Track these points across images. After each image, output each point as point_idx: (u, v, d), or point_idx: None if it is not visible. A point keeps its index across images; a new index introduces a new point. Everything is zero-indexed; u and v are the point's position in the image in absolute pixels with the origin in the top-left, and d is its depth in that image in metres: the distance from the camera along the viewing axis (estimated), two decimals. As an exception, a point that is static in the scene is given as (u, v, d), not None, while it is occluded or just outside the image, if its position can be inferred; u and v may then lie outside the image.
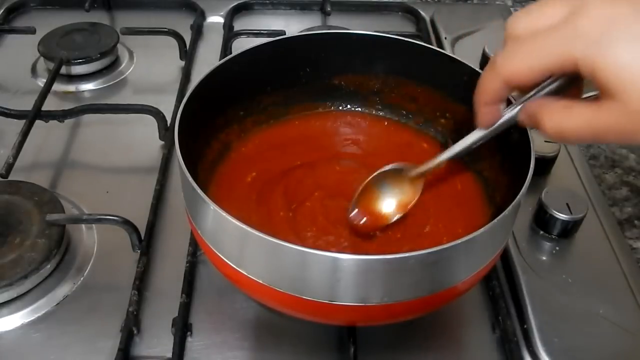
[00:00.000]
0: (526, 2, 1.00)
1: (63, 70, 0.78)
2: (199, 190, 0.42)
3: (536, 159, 0.45)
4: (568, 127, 0.35)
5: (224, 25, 0.90)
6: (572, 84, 0.38)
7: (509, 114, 0.42)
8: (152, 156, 0.68)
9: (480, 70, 0.53)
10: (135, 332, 0.51)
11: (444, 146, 0.60)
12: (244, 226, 0.40)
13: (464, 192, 0.56)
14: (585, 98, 0.36)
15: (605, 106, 0.33)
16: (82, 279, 0.55)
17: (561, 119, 0.36)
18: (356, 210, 0.51)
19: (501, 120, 0.42)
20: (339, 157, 0.59)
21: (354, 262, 0.39)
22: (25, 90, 0.78)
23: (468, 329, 0.53)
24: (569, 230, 0.58)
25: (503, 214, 0.41)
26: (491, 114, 0.41)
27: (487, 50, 0.78)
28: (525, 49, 0.35)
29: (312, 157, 0.58)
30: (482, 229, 0.40)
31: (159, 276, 0.56)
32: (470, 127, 0.57)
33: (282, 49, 0.57)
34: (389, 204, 0.51)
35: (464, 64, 0.54)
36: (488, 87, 0.39)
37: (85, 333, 0.51)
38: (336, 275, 0.40)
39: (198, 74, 0.53)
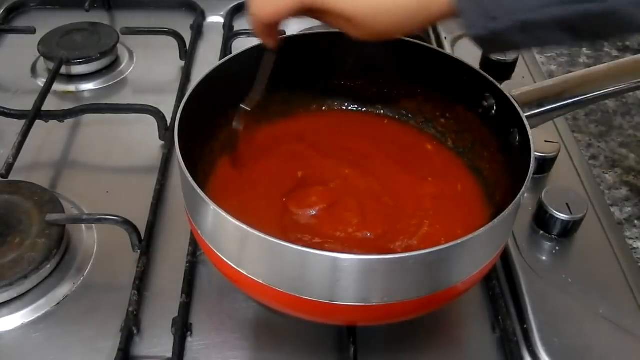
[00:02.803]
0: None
1: (63, 70, 0.78)
2: (199, 190, 0.42)
3: (536, 159, 0.45)
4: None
5: (224, 25, 0.90)
6: None
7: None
8: (152, 156, 0.68)
9: (480, 70, 0.54)
10: (135, 332, 0.51)
11: (445, 145, 0.60)
12: (244, 226, 0.40)
13: (463, 192, 0.56)
14: None
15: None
16: (82, 279, 0.55)
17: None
18: None
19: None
20: (339, 156, 0.59)
21: (354, 262, 0.39)
22: (25, 90, 0.78)
23: (468, 329, 0.53)
24: (569, 230, 0.58)
25: (503, 214, 0.41)
26: (273, 39, 0.50)
27: (487, 50, 0.78)
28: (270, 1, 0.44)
29: (313, 156, 0.58)
30: (482, 229, 0.40)
31: (159, 276, 0.56)
32: (469, 127, 0.57)
33: (282, 49, 0.57)
34: None
35: (464, 63, 0.54)
36: (255, 28, 0.48)
37: (85, 333, 0.51)
38: (336, 275, 0.40)
39: (198, 74, 0.52)
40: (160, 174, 0.64)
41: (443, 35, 0.88)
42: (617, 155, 0.74)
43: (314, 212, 0.52)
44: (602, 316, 0.53)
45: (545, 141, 0.64)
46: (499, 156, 0.53)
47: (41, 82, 0.78)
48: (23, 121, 0.66)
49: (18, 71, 0.81)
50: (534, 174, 0.44)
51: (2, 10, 0.92)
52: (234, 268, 0.43)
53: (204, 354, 0.50)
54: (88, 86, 0.80)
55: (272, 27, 0.48)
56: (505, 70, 0.80)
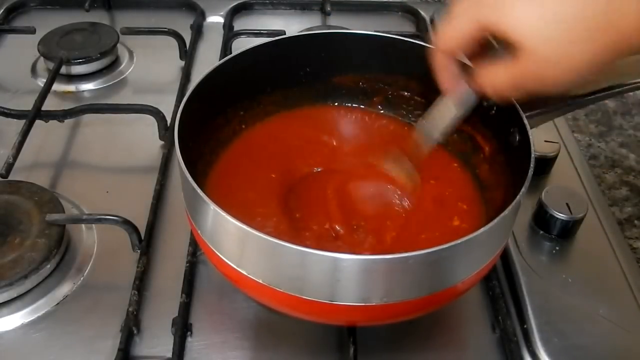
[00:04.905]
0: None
1: (63, 70, 0.78)
2: (199, 190, 0.42)
3: (536, 159, 0.45)
4: (498, 83, 0.42)
5: (224, 25, 0.90)
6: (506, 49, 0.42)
7: (466, 86, 0.47)
8: (152, 156, 0.68)
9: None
10: (135, 332, 0.51)
11: (444, 145, 0.60)
12: (244, 226, 0.40)
13: (463, 192, 0.56)
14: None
15: (519, 59, 0.40)
16: (82, 279, 0.55)
17: (493, 79, 0.43)
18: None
19: (469, 94, 0.47)
20: (339, 156, 0.59)
21: (354, 262, 0.39)
22: (25, 90, 0.78)
23: (468, 329, 0.53)
24: (569, 230, 0.58)
25: (503, 214, 0.41)
26: (452, 84, 0.47)
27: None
28: (449, 24, 0.43)
29: (313, 156, 0.58)
30: (482, 229, 0.40)
31: (159, 276, 0.56)
32: (469, 127, 0.57)
33: (282, 49, 0.57)
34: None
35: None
36: (437, 62, 0.46)
37: (85, 333, 0.51)
38: (336, 275, 0.40)
39: (198, 74, 0.52)
40: (160, 174, 0.64)
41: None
42: (617, 155, 0.74)
43: (315, 211, 0.53)
44: (602, 316, 0.53)
45: (545, 141, 0.64)
46: (499, 156, 0.53)
47: (41, 82, 0.78)
48: (23, 121, 0.66)
49: (18, 71, 0.81)
50: (533, 174, 0.44)
51: (2, 10, 0.92)
52: (234, 268, 0.43)
53: (204, 354, 0.50)
54: (88, 86, 0.80)
55: (450, 61, 0.45)
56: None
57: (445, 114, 0.49)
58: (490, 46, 0.44)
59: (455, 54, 0.45)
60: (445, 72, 0.46)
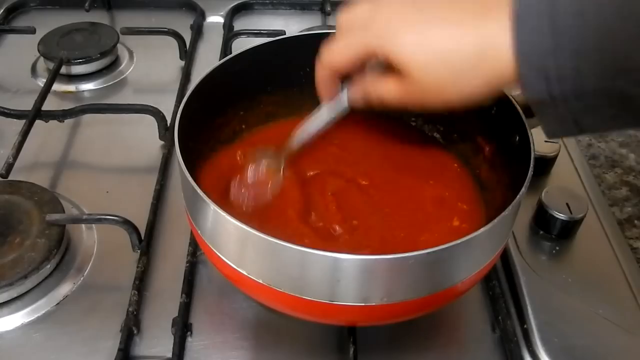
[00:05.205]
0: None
1: (63, 70, 0.78)
2: (199, 190, 0.42)
3: (536, 159, 0.45)
4: (384, 95, 0.45)
5: (224, 25, 0.90)
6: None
7: (346, 92, 0.49)
8: (152, 156, 0.68)
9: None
10: (135, 332, 0.51)
11: (444, 146, 0.60)
12: (244, 226, 0.40)
13: (463, 192, 0.56)
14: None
15: (403, 79, 0.42)
16: (82, 279, 0.55)
17: (381, 90, 0.45)
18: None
19: (343, 99, 0.49)
20: (339, 156, 0.59)
21: (354, 262, 0.39)
22: (25, 90, 0.78)
23: (468, 329, 0.53)
24: (569, 230, 0.58)
25: (503, 214, 0.41)
26: (330, 92, 0.49)
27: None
28: (338, 44, 0.45)
29: (313, 156, 0.58)
30: (482, 229, 0.40)
31: (159, 276, 0.56)
32: (469, 125, 0.57)
33: (282, 49, 0.57)
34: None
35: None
36: (320, 75, 0.48)
37: (85, 333, 0.51)
38: (336, 275, 0.40)
39: (198, 74, 0.52)
40: (160, 174, 0.64)
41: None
42: (617, 155, 0.74)
43: (314, 211, 0.53)
44: (602, 316, 0.53)
45: (545, 141, 0.64)
46: (499, 157, 0.53)
47: (41, 82, 0.78)
48: (23, 121, 0.66)
49: (18, 71, 0.81)
50: (533, 174, 0.44)
51: (2, 10, 0.92)
52: (234, 268, 0.43)
53: (204, 354, 0.50)
54: (88, 86, 0.80)
55: (332, 76, 0.47)
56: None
57: (317, 119, 0.51)
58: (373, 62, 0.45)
59: (339, 71, 0.47)
60: (324, 85, 0.49)
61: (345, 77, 0.48)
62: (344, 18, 0.45)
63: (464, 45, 0.39)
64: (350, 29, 0.44)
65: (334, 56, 0.46)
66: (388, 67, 0.43)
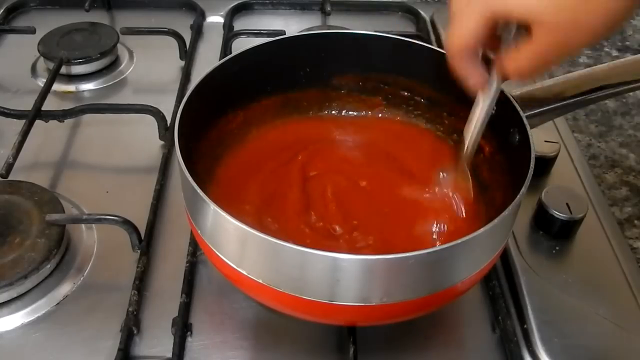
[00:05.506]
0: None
1: (63, 70, 0.78)
2: (199, 190, 0.42)
3: (536, 159, 0.45)
4: (523, 65, 0.43)
5: (224, 25, 0.90)
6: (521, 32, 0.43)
7: (491, 79, 0.47)
8: (152, 156, 0.68)
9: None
10: (135, 332, 0.51)
11: (447, 144, 0.60)
12: (244, 226, 0.40)
13: (463, 192, 0.55)
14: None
15: (536, 36, 0.40)
16: (82, 279, 0.55)
17: (517, 62, 0.43)
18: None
19: (493, 83, 0.47)
20: (339, 155, 0.59)
21: (354, 262, 0.39)
22: (25, 90, 0.78)
23: (468, 329, 0.53)
24: (569, 230, 0.58)
25: (503, 214, 0.41)
26: (475, 81, 0.47)
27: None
28: (461, 23, 0.43)
29: (313, 156, 0.58)
30: (482, 229, 0.40)
31: (159, 276, 0.56)
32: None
33: (282, 49, 0.57)
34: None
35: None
36: (456, 65, 0.45)
37: (85, 333, 0.51)
38: (336, 275, 0.40)
39: (198, 74, 0.52)
40: (160, 174, 0.64)
41: (443, 35, 0.88)
42: (617, 155, 0.74)
43: (314, 211, 0.53)
44: (602, 316, 0.53)
45: (545, 141, 0.64)
46: (499, 156, 0.53)
47: (41, 82, 0.78)
48: (23, 121, 0.66)
49: (18, 71, 0.81)
50: (533, 174, 0.44)
51: (2, 10, 0.92)
52: (234, 268, 0.43)
53: (204, 354, 0.50)
54: (88, 86, 0.80)
55: (471, 59, 0.45)
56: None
57: (480, 112, 0.49)
58: (501, 35, 0.44)
59: (472, 51, 0.44)
60: (467, 72, 0.46)
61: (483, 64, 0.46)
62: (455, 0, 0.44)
63: None
64: (466, 4, 0.42)
65: (461, 36, 0.43)
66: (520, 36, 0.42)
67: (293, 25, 0.90)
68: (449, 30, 0.44)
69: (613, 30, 0.40)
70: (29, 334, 0.51)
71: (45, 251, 0.54)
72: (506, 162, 0.52)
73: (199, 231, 0.46)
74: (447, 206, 0.54)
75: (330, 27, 0.90)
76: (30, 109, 0.68)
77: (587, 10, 0.39)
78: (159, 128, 0.70)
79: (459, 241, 0.39)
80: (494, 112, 0.51)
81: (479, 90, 0.48)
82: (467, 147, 0.51)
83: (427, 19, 0.93)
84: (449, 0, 0.44)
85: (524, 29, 0.41)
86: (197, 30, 0.89)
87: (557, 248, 0.58)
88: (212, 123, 0.56)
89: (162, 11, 0.94)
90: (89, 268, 0.56)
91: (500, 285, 0.55)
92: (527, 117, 0.48)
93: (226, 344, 0.51)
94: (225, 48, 0.84)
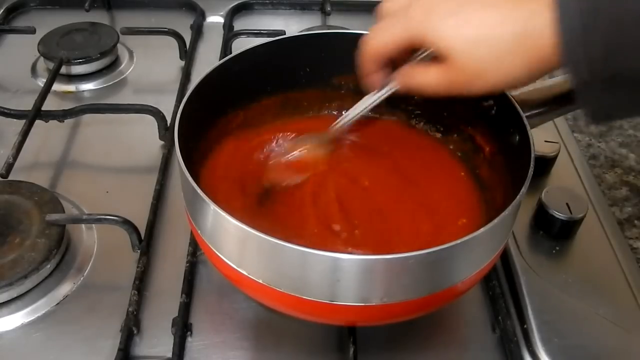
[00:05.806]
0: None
1: (63, 70, 0.78)
2: (199, 190, 0.42)
3: (536, 159, 0.45)
4: (427, 84, 0.45)
5: (224, 25, 0.90)
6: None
7: (388, 81, 0.49)
8: (152, 156, 0.68)
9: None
10: (135, 332, 0.51)
11: (444, 146, 0.60)
12: (244, 226, 0.40)
13: (463, 192, 0.56)
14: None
15: (444, 66, 0.42)
16: (82, 279, 0.55)
17: (423, 79, 0.45)
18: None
19: (387, 86, 0.50)
20: (340, 156, 0.59)
21: (354, 262, 0.39)
22: (25, 90, 0.78)
23: (468, 329, 0.53)
24: (569, 230, 0.58)
25: (503, 214, 0.41)
26: (372, 81, 0.50)
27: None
28: (379, 31, 0.45)
29: (314, 157, 0.58)
30: (482, 229, 0.40)
31: (159, 276, 0.56)
32: (468, 127, 0.57)
33: (282, 49, 0.57)
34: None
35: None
36: (362, 61, 0.48)
37: (85, 333, 0.51)
38: (336, 275, 0.40)
39: (198, 74, 0.52)
40: (160, 174, 0.64)
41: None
42: (617, 155, 0.74)
43: (314, 212, 0.53)
44: (602, 316, 0.53)
45: (545, 141, 0.64)
46: (499, 156, 0.53)
47: (41, 82, 0.78)
48: (23, 121, 0.66)
49: (18, 71, 0.81)
50: (533, 174, 0.44)
51: (2, 10, 0.92)
52: (234, 268, 0.43)
53: (204, 354, 0.50)
54: (88, 86, 0.80)
55: (377, 64, 0.48)
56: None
57: (365, 99, 0.52)
58: (415, 50, 0.46)
59: (382, 58, 0.47)
60: (367, 73, 0.49)
61: (388, 67, 0.48)
62: (385, 6, 0.46)
63: (505, 27, 0.39)
64: (391, 16, 0.45)
65: (374, 43, 0.46)
66: (433, 58, 0.43)
67: (293, 25, 0.90)
68: (370, 29, 0.46)
69: (523, 85, 0.43)
70: (29, 334, 0.51)
71: (45, 251, 0.54)
72: (506, 162, 0.52)
73: (199, 231, 0.46)
74: (447, 206, 0.54)
75: (330, 27, 0.90)
76: (30, 109, 0.68)
77: (496, 68, 0.41)
78: (159, 128, 0.70)
79: (459, 241, 0.39)
80: (493, 113, 0.51)
81: (370, 89, 0.51)
82: (338, 122, 0.54)
83: (427, 19, 0.93)
84: (379, 5, 0.46)
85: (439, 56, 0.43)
86: (197, 30, 0.89)
87: (557, 248, 0.58)
88: (212, 123, 0.56)
89: (162, 11, 0.94)
90: (89, 268, 0.56)
91: (500, 286, 0.55)
92: (527, 117, 0.48)
93: (226, 344, 0.51)
94: (225, 48, 0.84)
